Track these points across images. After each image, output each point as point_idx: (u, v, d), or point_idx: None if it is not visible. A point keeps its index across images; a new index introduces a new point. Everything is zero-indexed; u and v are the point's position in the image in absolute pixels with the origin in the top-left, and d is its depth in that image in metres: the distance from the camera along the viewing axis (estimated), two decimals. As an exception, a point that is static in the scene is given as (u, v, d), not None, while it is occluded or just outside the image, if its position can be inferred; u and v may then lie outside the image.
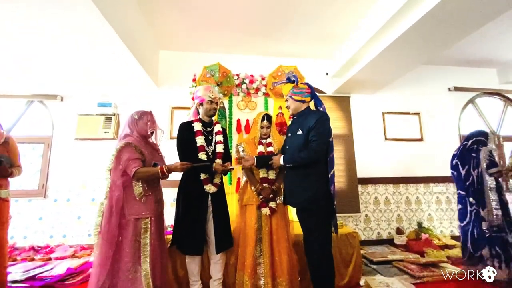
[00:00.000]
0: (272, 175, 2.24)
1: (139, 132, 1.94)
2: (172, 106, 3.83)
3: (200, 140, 2.09)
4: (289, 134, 2.03)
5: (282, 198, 2.21)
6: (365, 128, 4.19)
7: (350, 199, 3.87)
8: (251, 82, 3.20)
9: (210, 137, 2.17)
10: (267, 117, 2.31)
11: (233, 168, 2.11)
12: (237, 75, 3.20)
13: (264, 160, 2.07)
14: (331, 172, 1.92)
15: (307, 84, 2.03)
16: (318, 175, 1.89)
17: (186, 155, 2.01)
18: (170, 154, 2.28)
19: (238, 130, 3.15)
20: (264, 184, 2.19)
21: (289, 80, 2.05)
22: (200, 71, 2.98)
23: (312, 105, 2.06)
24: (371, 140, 4.17)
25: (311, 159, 1.85)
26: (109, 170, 1.80)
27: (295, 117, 2.05)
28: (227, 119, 3.10)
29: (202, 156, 2.06)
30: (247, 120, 3.20)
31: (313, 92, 2.02)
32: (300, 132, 1.92)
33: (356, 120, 4.17)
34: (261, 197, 2.17)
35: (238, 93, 3.22)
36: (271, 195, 2.16)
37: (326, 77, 4.15)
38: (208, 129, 2.18)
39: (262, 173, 2.22)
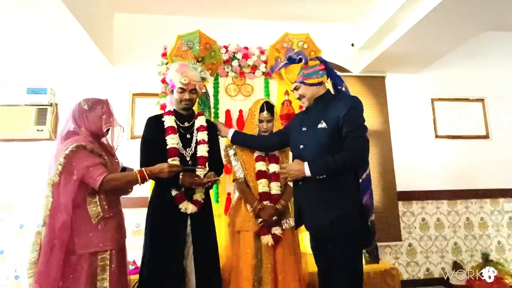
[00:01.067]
0: (276, 188, 2.26)
1: (90, 128, 1.94)
2: (133, 92, 3.83)
3: (171, 140, 2.11)
4: (304, 128, 2.01)
5: (291, 221, 2.23)
6: (407, 122, 4.23)
7: (387, 222, 3.90)
8: (245, 57, 3.21)
9: (188, 136, 2.19)
10: (268, 106, 2.33)
11: (217, 179, 2.11)
12: (226, 47, 3.21)
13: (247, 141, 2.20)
14: (364, 175, 1.92)
15: (318, 58, 2.04)
16: (349, 184, 1.88)
17: (152, 161, 1.98)
18: (129, 160, 2.29)
19: (228, 125, 3.14)
20: (264, 202, 2.21)
21: (291, 61, 2.03)
22: (173, 42, 3.00)
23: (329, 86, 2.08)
24: (415, 138, 4.21)
25: (357, 163, 1.86)
26: (52, 184, 1.76)
27: (309, 106, 2.06)
28: (211, 110, 3.11)
29: (173, 163, 2.07)
30: (240, 112, 3.21)
31: (328, 67, 2.03)
32: (323, 125, 1.90)
33: (394, 110, 4.21)
34: (260, 220, 2.19)
35: (227, 73, 3.23)
36: (274, 217, 2.18)
37: (351, 49, 4.18)
38: (187, 124, 2.21)
39: (262, 186, 2.25)
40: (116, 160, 2.08)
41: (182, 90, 2.12)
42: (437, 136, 4.25)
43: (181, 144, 2.14)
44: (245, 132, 2.44)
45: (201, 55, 2.96)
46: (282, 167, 2.03)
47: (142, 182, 1.88)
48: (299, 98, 2.07)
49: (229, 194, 3.03)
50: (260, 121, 2.31)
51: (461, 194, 4.16)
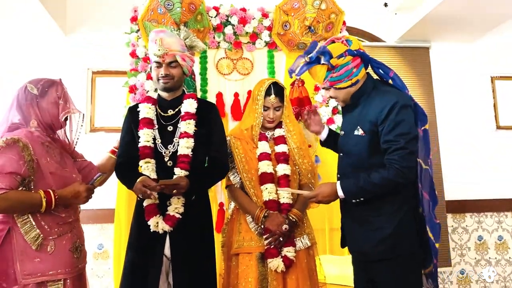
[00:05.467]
0: (286, 196, 2.26)
1: (43, 119, 1.93)
2: (92, 69, 3.83)
3: (143, 137, 2.14)
4: (342, 132, 2.13)
5: (307, 240, 2.24)
6: (459, 107, 4.23)
7: (432, 241, 3.91)
8: (243, 21, 3.21)
9: (171, 128, 2.19)
10: (277, 89, 2.31)
11: (181, 186, 2.02)
12: (216, 8, 3.21)
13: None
14: (427, 189, 2.00)
15: (349, 52, 1.98)
16: (401, 200, 1.96)
17: (131, 168, 2.08)
18: (90, 158, 2.28)
19: (220, 113, 3.16)
20: (270, 211, 2.22)
21: (313, 62, 2.01)
22: (146, 2, 2.99)
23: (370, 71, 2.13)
24: (470, 129, 4.21)
25: (398, 184, 1.89)
26: None
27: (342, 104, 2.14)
28: (198, 94, 3.10)
29: (147, 167, 2.11)
30: (236, 95, 3.22)
31: (366, 58, 2.06)
32: (359, 131, 1.98)
33: (442, 92, 4.20)
34: (266, 236, 2.19)
35: (218, 43, 3.23)
36: (285, 226, 2.16)
37: (384, 11, 4.18)
38: (171, 112, 2.21)
39: (267, 193, 2.25)
40: (77, 160, 2.09)
41: (158, 65, 2.13)
42: (498, 127, 4.26)
43: (159, 141, 2.15)
44: (243, 123, 2.45)
45: (183, 20, 2.95)
46: (312, 194, 2.06)
47: (48, 209, 1.82)
48: (332, 98, 2.18)
49: (221, 204, 3.04)
50: (266, 108, 2.30)
51: (530, 204, 4.17)
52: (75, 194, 1.90)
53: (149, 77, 2.99)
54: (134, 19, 3.08)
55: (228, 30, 3.19)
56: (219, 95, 3.19)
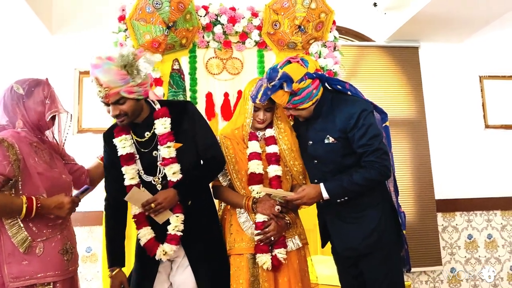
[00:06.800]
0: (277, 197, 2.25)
1: (29, 119, 1.92)
2: (79, 69, 3.81)
3: (127, 175, 2.06)
4: (310, 142, 2.22)
5: (298, 240, 2.23)
6: (448, 107, 4.26)
7: (422, 240, 3.92)
8: (232, 21, 3.20)
9: (155, 153, 2.08)
10: (268, 89, 2.31)
11: (160, 207, 1.99)
12: (206, 7, 3.19)
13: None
14: (391, 181, 2.22)
15: (308, 75, 2.06)
16: (380, 194, 2.18)
17: (117, 188, 2.08)
18: (77, 159, 2.27)
19: (209, 113, 3.16)
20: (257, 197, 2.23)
21: (274, 88, 2.07)
22: (134, 1, 2.97)
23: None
24: (459, 128, 4.25)
25: (379, 182, 2.12)
26: None
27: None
28: (187, 93, 3.09)
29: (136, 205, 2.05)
30: (226, 95, 3.21)
31: (324, 78, 2.20)
32: (330, 139, 2.13)
33: (431, 91, 4.24)
34: (257, 234, 2.17)
35: (208, 43, 3.21)
36: (278, 208, 2.16)
37: (374, 10, 4.19)
38: (148, 134, 2.09)
39: (256, 194, 2.23)
40: (66, 162, 2.07)
41: (105, 103, 1.95)
42: (487, 126, 4.30)
43: (143, 172, 2.09)
44: (234, 122, 2.43)
45: (172, 19, 2.93)
46: (297, 197, 2.12)
47: (28, 216, 1.79)
48: (294, 116, 2.29)
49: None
50: (256, 109, 2.28)
51: (519, 203, 4.21)
52: (58, 205, 1.86)
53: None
54: (122, 18, 3.04)
55: (218, 29, 3.17)
56: (209, 95, 3.17)
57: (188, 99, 3.08)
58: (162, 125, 2.05)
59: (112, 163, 2.12)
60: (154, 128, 2.07)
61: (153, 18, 2.91)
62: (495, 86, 4.37)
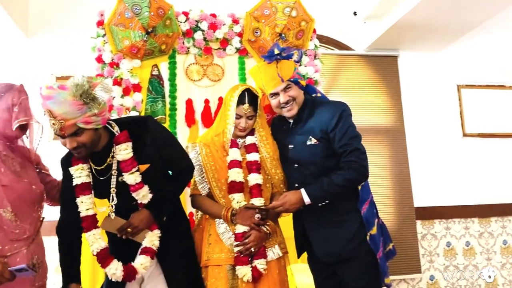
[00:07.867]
0: (258, 204, 2.23)
1: None
2: (56, 75, 3.75)
3: (81, 206, 1.97)
4: (291, 146, 2.25)
5: (278, 250, 2.23)
6: (426, 115, 4.31)
7: (401, 247, 3.91)
8: (213, 27, 3.19)
9: (119, 179, 1.99)
10: (251, 96, 2.27)
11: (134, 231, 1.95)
12: (186, 14, 3.18)
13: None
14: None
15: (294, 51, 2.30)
16: (356, 197, 2.21)
17: (70, 223, 2.00)
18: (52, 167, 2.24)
19: (189, 120, 3.14)
20: (236, 208, 2.20)
21: (289, 52, 2.25)
22: (113, 6, 2.95)
23: None
24: (437, 137, 4.30)
25: (359, 181, 2.17)
26: None
27: (288, 118, 2.31)
28: (167, 100, 3.08)
29: (94, 235, 1.99)
30: (206, 102, 3.19)
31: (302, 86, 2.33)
32: (312, 141, 2.18)
33: (410, 100, 4.29)
34: (236, 245, 2.14)
35: (188, 49, 3.19)
36: (257, 216, 2.14)
37: (354, 19, 4.24)
38: (110, 161, 1.99)
39: (236, 203, 2.21)
40: (38, 170, 2.05)
41: (60, 136, 1.82)
42: (465, 135, 4.36)
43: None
44: (214, 129, 2.42)
45: (151, 24, 2.92)
46: (278, 203, 2.14)
47: None
48: (286, 103, 2.19)
49: (191, 214, 2.99)
50: (238, 116, 2.26)
51: (496, 210, 4.27)
52: None
53: (115, 83, 2.92)
54: (100, 23, 3.01)
55: (198, 35, 3.16)
56: (189, 102, 3.14)
57: (168, 106, 3.06)
58: (125, 151, 1.94)
59: (67, 189, 2.00)
60: (115, 154, 1.96)
61: (132, 24, 2.89)
62: (473, 95, 4.44)
